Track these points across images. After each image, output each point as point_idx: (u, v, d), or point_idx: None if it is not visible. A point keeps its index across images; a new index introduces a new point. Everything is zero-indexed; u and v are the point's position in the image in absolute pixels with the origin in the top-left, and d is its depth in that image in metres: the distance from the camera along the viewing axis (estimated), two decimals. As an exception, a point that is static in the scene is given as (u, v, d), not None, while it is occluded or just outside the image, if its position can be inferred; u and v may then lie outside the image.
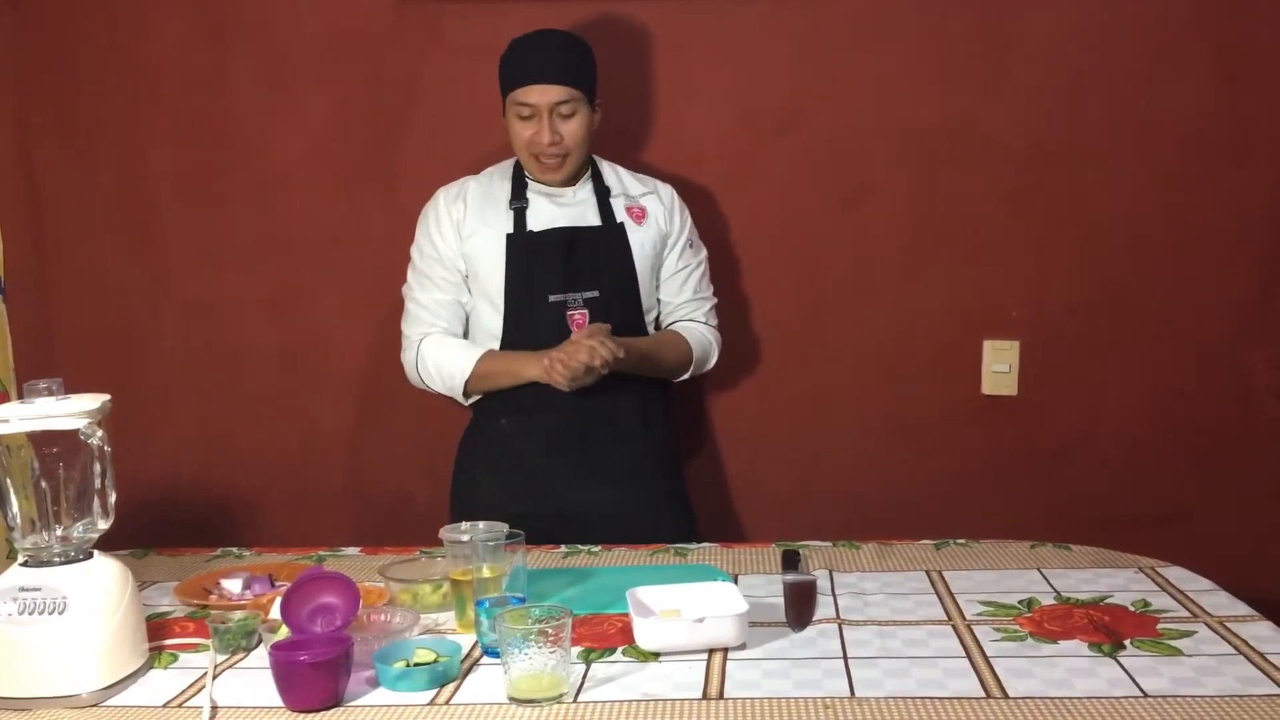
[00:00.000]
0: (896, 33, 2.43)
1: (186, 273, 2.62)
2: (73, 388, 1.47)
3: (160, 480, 2.62)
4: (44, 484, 1.43)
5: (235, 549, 2.03)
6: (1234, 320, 2.44)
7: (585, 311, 2.11)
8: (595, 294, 2.13)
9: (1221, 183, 2.41)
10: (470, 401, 2.20)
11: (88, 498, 1.45)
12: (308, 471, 2.65)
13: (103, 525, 1.46)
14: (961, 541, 1.92)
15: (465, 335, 2.20)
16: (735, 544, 1.97)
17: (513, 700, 1.32)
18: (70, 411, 1.41)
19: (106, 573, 1.42)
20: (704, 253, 2.31)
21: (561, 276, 2.12)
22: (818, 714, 1.26)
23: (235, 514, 2.61)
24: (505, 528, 1.62)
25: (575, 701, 1.32)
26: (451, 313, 2.18)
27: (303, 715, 1.31)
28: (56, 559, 1.41)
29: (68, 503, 1.45)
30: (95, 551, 1.45)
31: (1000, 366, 2.48)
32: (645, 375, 2.17)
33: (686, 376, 2.27)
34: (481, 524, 1.65)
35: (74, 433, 1.41)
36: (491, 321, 2.15)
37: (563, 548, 1.97)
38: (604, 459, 2.15)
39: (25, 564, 1.41)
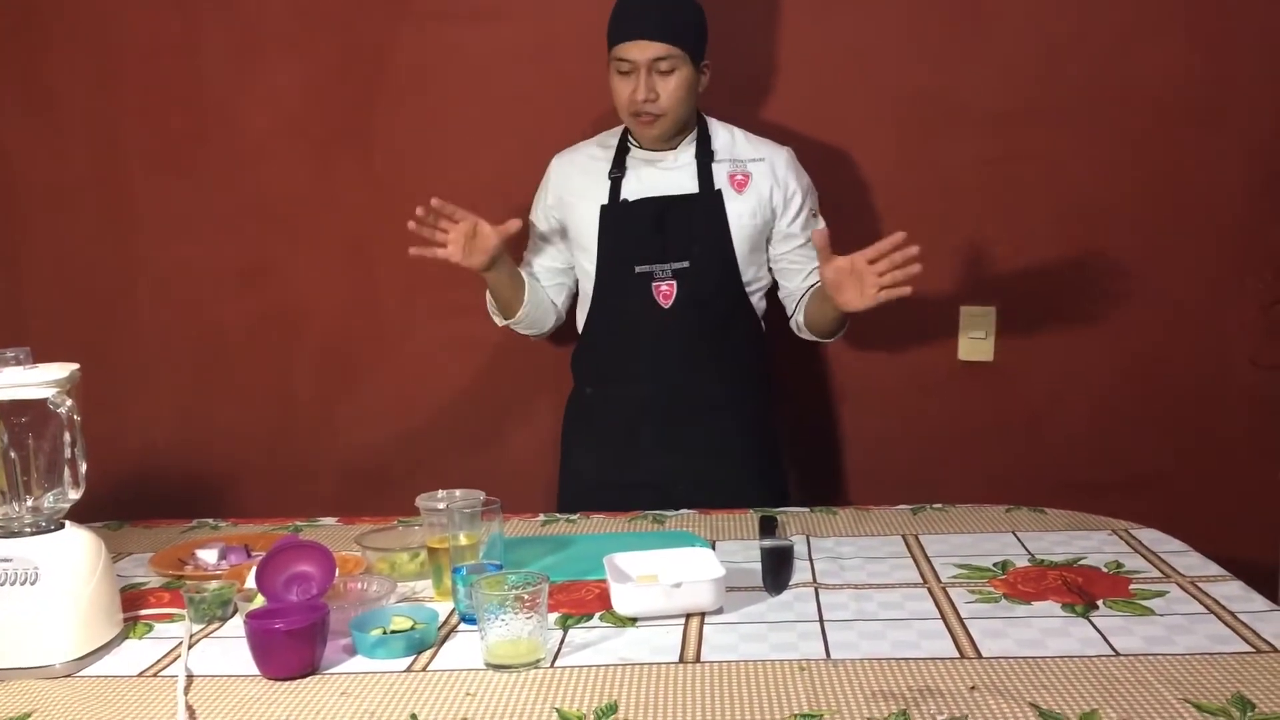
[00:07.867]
0: (873, -2, 2.42)
1: (159, 243, 2.59)
2: (45, 360, 1.46)
3: (135, 453, 2.61)
4: (13, 454, 1.42)
5: (211, 520, 2.03)
6: (1208, 286, 2.45)
7: (673, 283, 2.08)
8: (685, 265, 2.09)
9: (1196, 148, 2.41)
10: (512, 322, 2.20)
11: (58, 468, 1.43)
12: (284, 443, 2.64)
13: (73, 495, 1.45)
14: (938, 506, 1.94)
15: (575, 297, 2.25)
16: (713, 510, 1.97)
17: (490, 666, 1.32)
18: (38, 381, 1.40)
19: (78, 543, 1.42)
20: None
21: (652, 247, 2.09)
22: (794, 676, 1.27)
23: (211, 486, 2.59)
24: (482, 495, 1.62)
25: (552, 667, 1.33)
26: (548, 276, 2.22)
27: (279, 683, 1.31)
28: (27, 530, 1.41)
29: (38, 473, 1.44)
30: (67, 522, 1.44)
31: (976, 332, 2.48)
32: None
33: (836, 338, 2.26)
34: (458, 491, 1.65)
35: (43, 402, 1.40)
36: (589, 289, 2.18)
37: (541, 516, 1.96)
38: (688, 433, 2.12)
39: (-5, 535, 1.41)
